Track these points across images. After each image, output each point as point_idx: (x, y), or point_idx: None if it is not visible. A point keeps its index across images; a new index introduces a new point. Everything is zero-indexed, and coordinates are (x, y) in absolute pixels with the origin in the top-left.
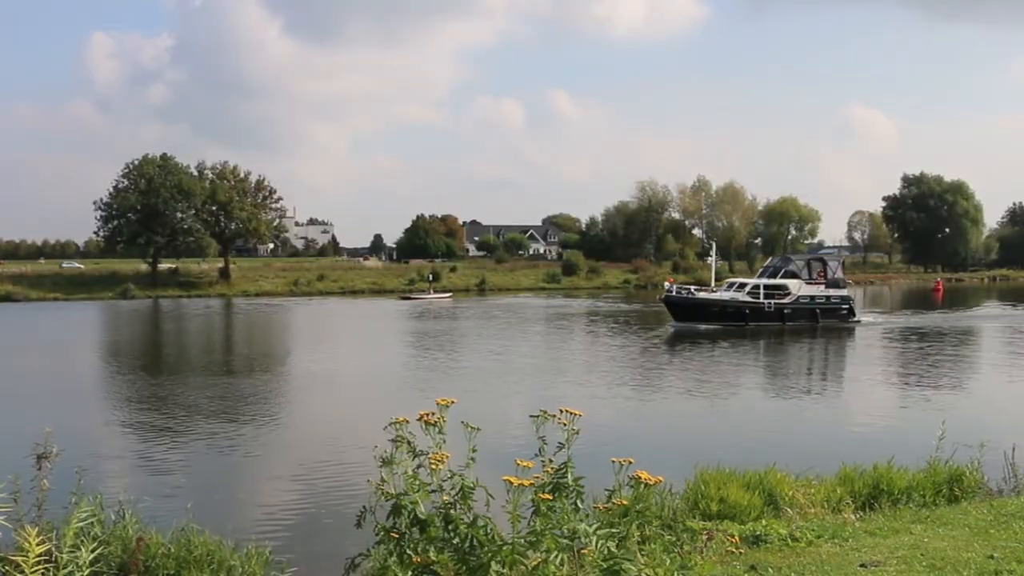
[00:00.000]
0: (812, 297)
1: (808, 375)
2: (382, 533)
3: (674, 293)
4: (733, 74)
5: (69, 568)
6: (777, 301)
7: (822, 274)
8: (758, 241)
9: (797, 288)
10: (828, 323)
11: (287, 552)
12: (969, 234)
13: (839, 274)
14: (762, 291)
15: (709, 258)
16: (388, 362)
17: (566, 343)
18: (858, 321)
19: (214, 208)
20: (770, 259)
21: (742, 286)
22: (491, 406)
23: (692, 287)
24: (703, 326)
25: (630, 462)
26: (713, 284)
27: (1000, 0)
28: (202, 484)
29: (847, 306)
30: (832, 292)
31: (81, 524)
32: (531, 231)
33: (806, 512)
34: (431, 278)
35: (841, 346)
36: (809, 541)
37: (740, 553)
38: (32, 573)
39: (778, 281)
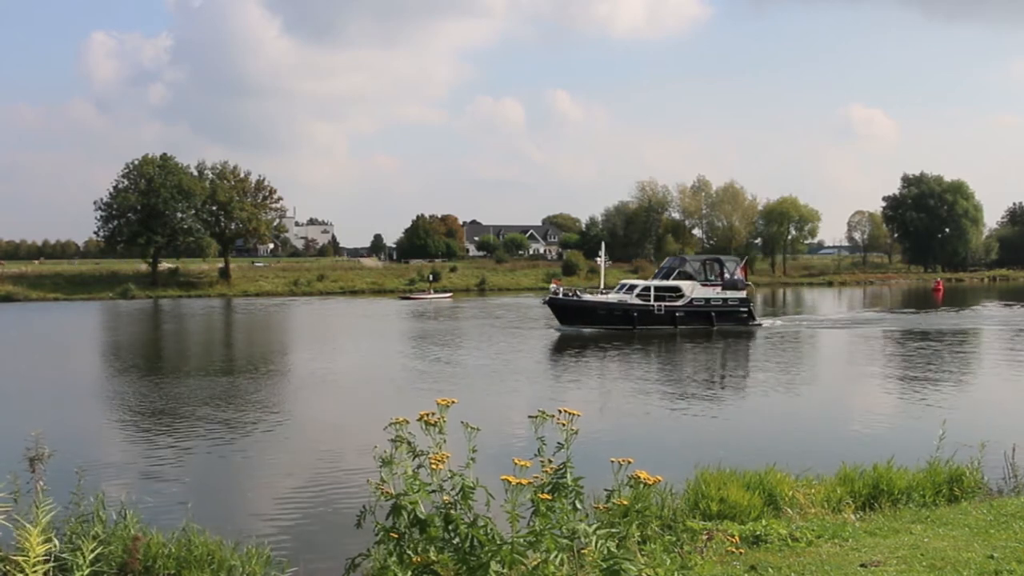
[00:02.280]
0: (707, 299)
1: (665, 380)
2: (382, 533)
3: (560, 295)
4: (733, 74)
5: (68, 567)
6: (668, 304)
7: (719, 275)
8: (758, 241)
9: (691, 290)
10: (724, 327)
11: (287, 552)
12: (969, 234)
13: (738, 275)
14: (652, 293)
15: (598, 258)
16: (388, 362)
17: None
18: (758, 324)
19: (214, 208)
20: (666, 259)
21: (632, 288)
22: (474, 408)
23: (578, 289)
24: (588, 329)
25: (629, 462)
26: (602, 286)
27: (1000, 0)
28: (202, 484)
29: (745, 309)
30: (729, 294)
31: (48, 519)
32: (531, 231)
33: (806, 512)
34: (431, 278)
35: (725, 351)
36: (809, 541)
37: (740, 553)
38: (33, 573)
39: (670, 283)
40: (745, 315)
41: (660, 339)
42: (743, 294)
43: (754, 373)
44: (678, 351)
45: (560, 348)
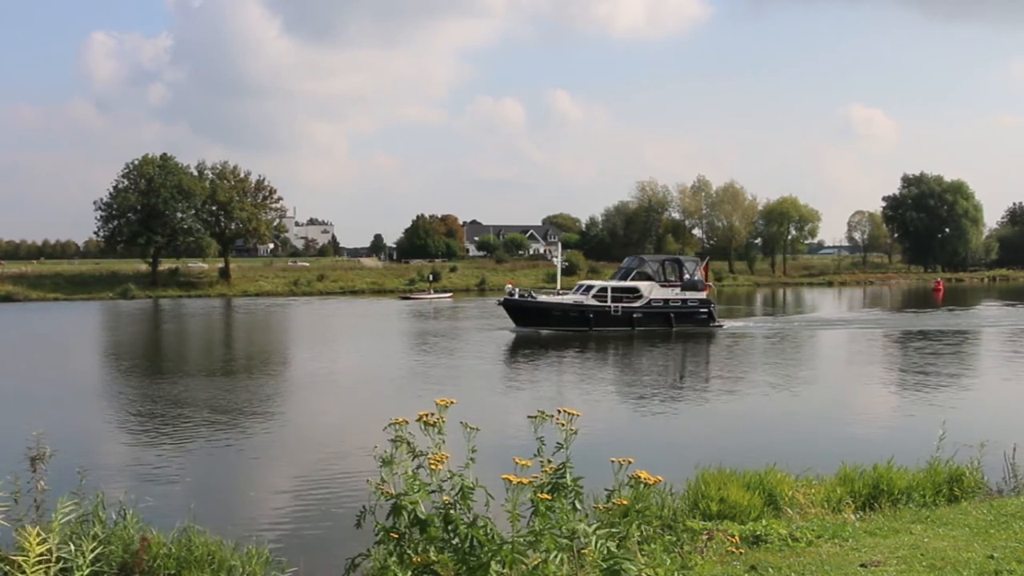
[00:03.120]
0: (666, 301)
1: (605, 383)
2: (382, 533)
3: (516, 296)
4: (733, 74)
5: (68, 567)
6: (626, 305)
7: (678, 276)
8: (758, 241)
9: (649, 291)
10: (684, 328)
11: (287, 552)
12: (969, 234)
13: (698, 276)
14: (609, 294)
15: (555, 258)
16: (388, 362)
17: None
18: (719, 326)
19: (214, 208)
20: (625, 260)
21: (588, 289)
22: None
23: (533, 290)
24: (544, 331)
25: (630, 462)
26: (559, 286)
27: (1000, 0)
28: (203, 484)
29: (706, 310)
30: (689, 295)
31: (66, 520)
32: (531, 231)
33: (806, 512)
34: (431, 278)
35: (680, 353)
36: (809, 541)
37: (740, 553)
38: (33, 572)
39: (628, 284)
40: (705, 316)
41: (616, 341)
42: (703, 295)
43: (705, 376)
44: (630, 353)
45: (508, 350)
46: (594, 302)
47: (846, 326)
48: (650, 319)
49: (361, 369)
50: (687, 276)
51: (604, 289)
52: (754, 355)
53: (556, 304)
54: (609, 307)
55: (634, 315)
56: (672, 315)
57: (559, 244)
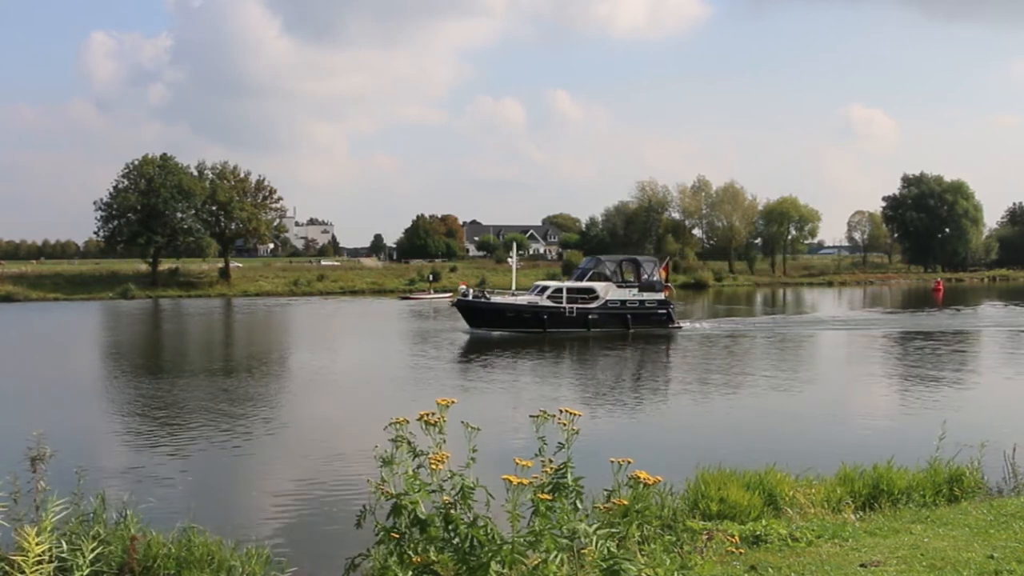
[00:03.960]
0: (623, 302)
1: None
2: (382, 533)
3: (470, 297)
4: (734, 74)
5: (68, 567)
6: (581, 306)
7: (636, 277)
8: (758, 241)
9: (605, 292)
10: (641, 330)
11: (287, 552)
12: (969, 234)
13: (656, 276)
14: (565, 295)
15: (509, 259)
16: (388, 362)
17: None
18: (678, 327)
19: (214, 208)
20: (584, 260)
21: (544, 290)
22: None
23: (487, 291)
24: (497, 332)
25: (629, 462)
26: (514, 287)
27: (1000, 0)
28: (202, 484)
29: (664, 311)
30: (647, 296)
31: (58, 519)
32: (531, 231)
33: (806, 512)
34: (431, 278)
35: (631, 356)
36: (809, 541)
37: (740, 553)
38: (32, 572)
39: (584, 284)
40: (663, 317)
41: (570, 342)
42: (661, 296)
43: (662, 378)
44: (576, 355)
45: (458, 352)
46: (549, 303)
47: (834, 327)
48: (606, 320)
49: (360, 369)
50: (645, 277)
51: (559, 290)
52: (711, 357)
53: (510, 305)
54: (564, 308)
55: (590, 316)
56: (629, 316)
57: (514, 244)
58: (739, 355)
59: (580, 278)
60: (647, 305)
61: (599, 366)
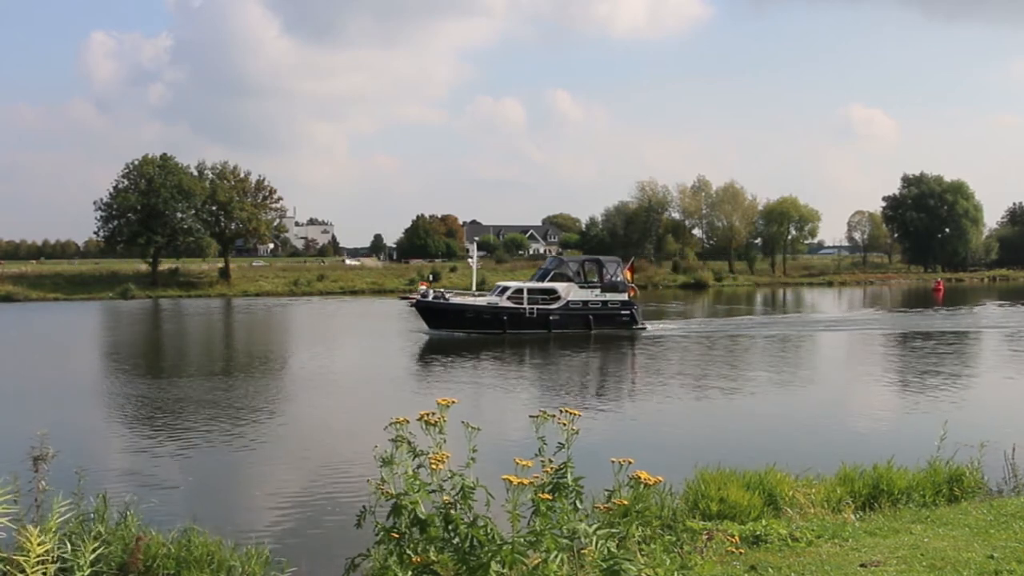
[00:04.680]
0: (584, 302)
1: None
2: (382, 533)
3: (430, 298)
4: (734, 74)
5: (69, 566)
6: (542, 307)
7: (599, 277)
8: (758, 241)
9: (567, 292)
10: (603, 331)
11: (287, 552)
12: (969, 234)
13: (619, 277)
14: (525, 296)
15: (470, 259)
16: (387, 362)
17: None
18: (642, 328)
19: (214, 208)
20: (547, 260)
21: (504, 290)
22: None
23: (446, 291)
24: (458, 333)
25: (630, 462)
26: (474, 288)
27: (1000, 0)
28: (202, 484)
29: (627, 312)
30: (610, 297)
31: (62, 519)
32: (531, 231)
33: (806, 512)
34: (431, 278)
35: (585, 359)
36: (809, 541)
37: (740, 553)
38: (33, 572)
39: (545, 285)
40: (627, 319)
41: (530, 344)
42: (624, 296)
43: (599, 381)
44: (531, 357)
45: (413, 353)
46: (509, 304)
47: (821, 327)
48: (567, 321)
49: (360, 369)
50: (608, 277)
51: (520, 290)
52: (671, 359)
53: (469, 306)
54: (524, 309)
55: (551, 317)
56: (591, 317)
57: (474, 244)
58: (701, 357)
59: (542, 278)
60: (610, 306)
61: (553, 369)
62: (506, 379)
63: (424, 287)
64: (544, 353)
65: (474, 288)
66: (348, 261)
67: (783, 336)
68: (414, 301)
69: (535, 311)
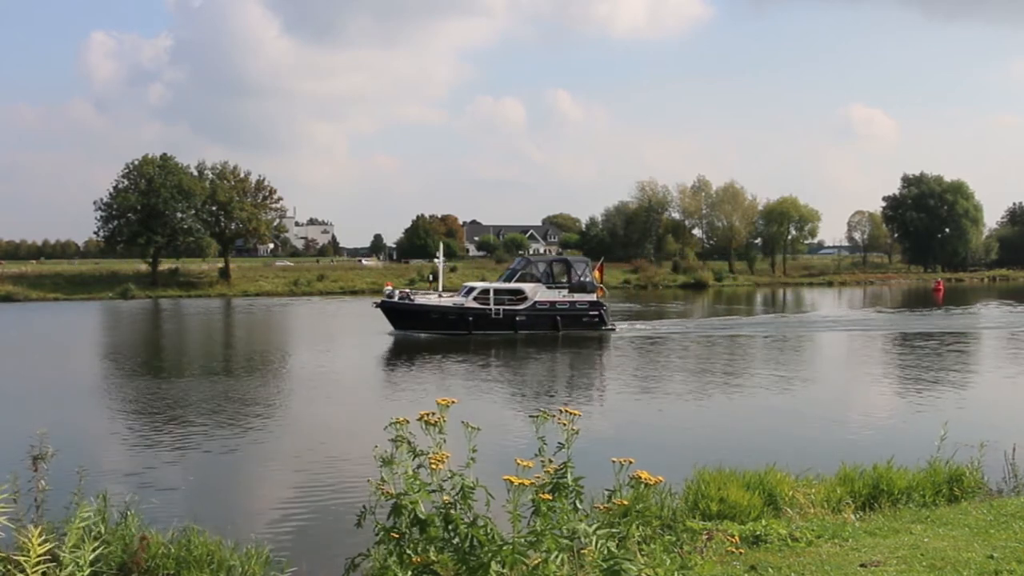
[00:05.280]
0: (552, 303)
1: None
2: (382, 533)
3: (395, 298)
4: (734, 74)
5: (70, 568)
6: (508, 307)
7: (568, 277)
8: (758, 241)
9: (534, 293)
10: (571, 332)
11: (287, 552)
12: (969, 234)
13: (587, 277)
14: (492, 296)
15: (436, 259)
16: (387, 361)
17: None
18: (611, 329)
19: (214, 208)
20: (515, 260)
21: (471, 291)
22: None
23: (410, 291)
24: (423, 334)
25: (631, 462)
26: (441, 288)
27: (1000, 0)
28: (202, 484)
29: (596, 313)
30: (578, 297)
31: (85, 523)
32: (531, 231)
33: (806, 512)
34: (431, 278)
35: (549, 360)
36: (809, 541)
37: (740, 553)
38: (33, 573)
39: (512, 285)
40: (595, 319)
41: (496, 345)
42: (593, 297)
43: (583, 381)
44: (501, 358)
45: (376, 355)
46: (475, 304)
47: (807, 328)
48: (534, 322)
49: (359, 369)
50: (576, 278)
51: (486, 291)
52: (633, 361)
53: (434, 307)
54: (490, 309)
55: (517, 318)
56: (558, 318)
57: (441, 245)
58: (665, 359)
59: (509, 279)
60: (578, 307)
61: (518, 371)
62: (474, 382)
63: (389, 287)
64: (510, 355)
65: (440, 289)
66: (364, 262)
67: (770, 336)
68: (379, 302)
69: (501, 312)
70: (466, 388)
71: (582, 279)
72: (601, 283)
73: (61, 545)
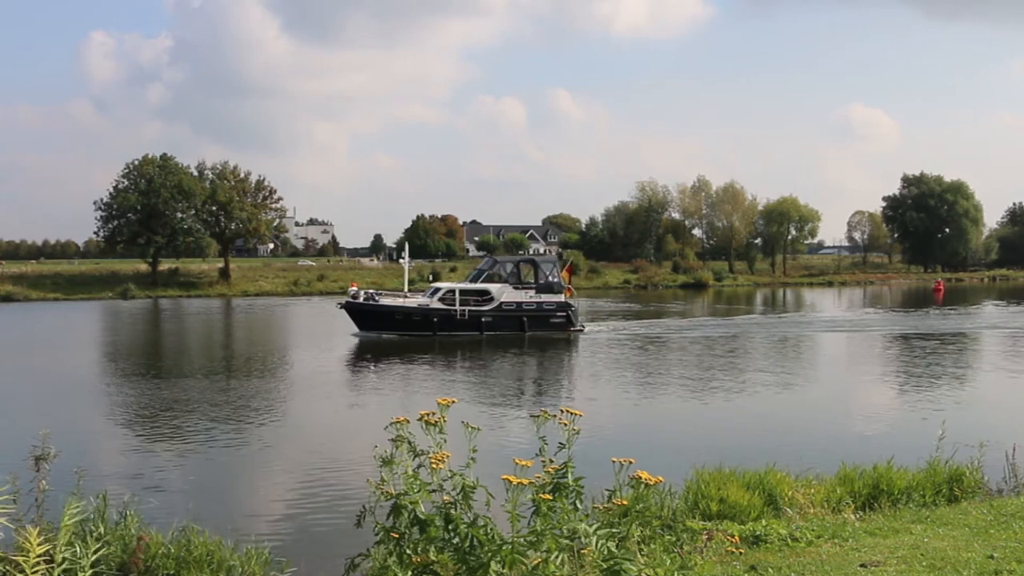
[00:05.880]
0: (518, 304)
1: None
2: (382, 533)
3: (360, 299)
4: (734, 73)
5: (70, 567)
6: (474, 308)
7: (535, 278)
8: (758, 241)
9: (500, 293)
10: (538, 333)
11: (287, 552)
12: (969, 234)
13: (555, 278)
14: (457, 297)
15: (401, 259)
16: (387, 361)
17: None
18: (579, 330)
19: (214, 208)
20: (483, 260)
21: (436, 291)
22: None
23: (376, 293)
24: (387, 335)
25: (631, 462)
26: (406, 289)
27: (1001, 0)
28: (202, 484)
29: (563, 314)
30: (545, 298)
31: (74, 521)
32: (531, 231)
33: (806, 512)
34: (431, 278)
35: (512, 361)
36: (809, 541)
37: (740, 553)
38: (33, 573)
39: (478, 286)
40: (563, 320)
41: (461, 347)
42: (560, 298)
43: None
44: (466, 360)
45: (342, 358)
46: (440, 305)
47: (820, 328)
48: (500, 323)
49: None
50: (543, 278)
51: (452, 291)
52: (600, 362)
53: (399, 308)
54: (455, 311)
55: (483, 319)
56: (525, 319)
57: (406, 245)
58: (630, 360)
59: (475, 279)
60: (545, 307)
61: (484, 373)
62: (437, 383)
63: (354, 288)
64: (476, 356)
65: (406, 289)
66: (372, 262)
67: (738, 338)
68: (343, 302)
69: (466, 313)
70: (428, 392)
71: (549, 279)
72: (569, 284)
73: (59, 545)
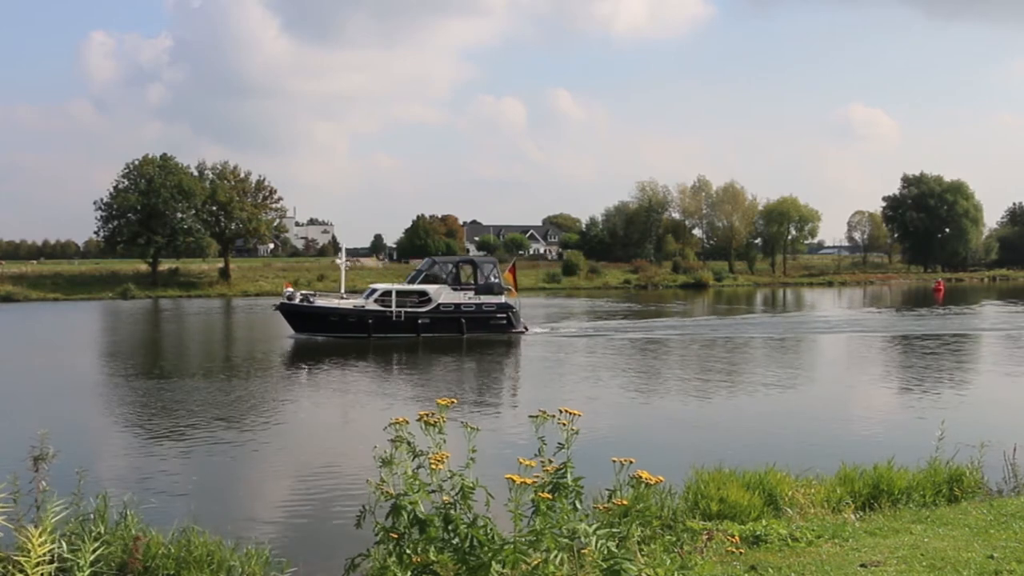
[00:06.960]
0: (457, 305)
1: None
2: (382, 533)
3: (296, 300)
4: (734, 73)
5: (55, 564)
6: (410, 310)
7: (474, 279)
8: (758, 241)
9: (438, 294)
10: (478, 335)
11: (287, 552)
12: (969, 234)
13: (495, 278)
14: (393, 298)
15: (338, 260)
16: (386, 360)
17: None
18: (521, 332)
19: (214, 208)
20: (422, 261)
21: (373, 292)
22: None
23: (311, 294)
24: (321, 337)
25: (631, 461)
26: (343, 290)
27: (1001, 0)
28: (202, 485)
29: (504, 315)
30: (485, 299)
31: (58, 518)
32: (531, 231)
33: (806, 512)
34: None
35: (447, 365)
36: (809, 541)
37: (740, 553)
38: (34, 573)
39: (415, 287)
40: (503, 322)
41: (396, 349)
42: (501, 299)
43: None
44: (401, 362)
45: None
46: (376, 306)
47: (819, 329)
48: (438, 325)
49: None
50: (482, 279)
51: (388, 293)
52: (541, 366)
53: (333, 309)
54: (391, 312)
55: (419, 320)
56: (464, 320)
57: (343, 247)
58: (579, 360)
59: (413, 280)
60: (484, 309)
61: (416, 377)
62: (375, 385)
63: (289, 289)
64: (411, 360)
65: (343, 290)
66: (373, 262)
67: (727, 338)
68: (278, 304)
69: (403, 314)
70: (368, 395)
71: (490, 280)
72: (514, 285)
73: (60, 545)
